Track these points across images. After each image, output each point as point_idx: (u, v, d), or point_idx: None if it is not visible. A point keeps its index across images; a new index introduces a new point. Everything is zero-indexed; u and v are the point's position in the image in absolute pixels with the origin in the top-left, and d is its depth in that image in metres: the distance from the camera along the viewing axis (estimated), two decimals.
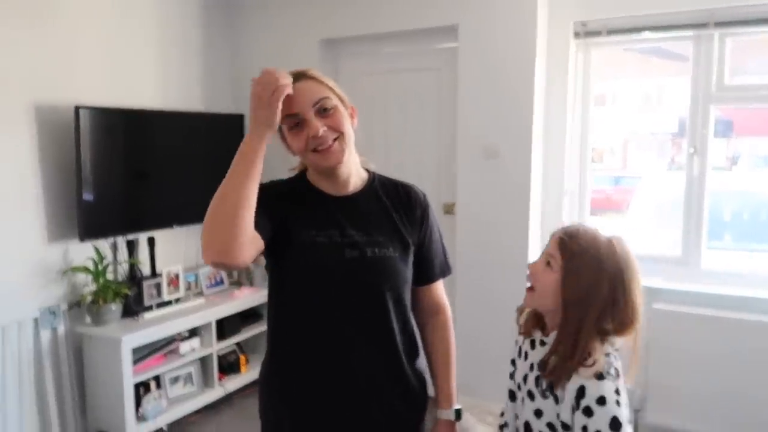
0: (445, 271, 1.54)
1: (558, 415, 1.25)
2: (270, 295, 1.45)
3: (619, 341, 1.28)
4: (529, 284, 1.34)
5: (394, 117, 3.57)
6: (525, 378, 1.36)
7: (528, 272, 1.34)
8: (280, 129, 1.36)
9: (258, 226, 1.27)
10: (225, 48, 3.94)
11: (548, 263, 1.30)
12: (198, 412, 3.36)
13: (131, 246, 3.25)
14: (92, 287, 3.03)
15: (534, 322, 1.39)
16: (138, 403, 3.01)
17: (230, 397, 3.53)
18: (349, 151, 1.37)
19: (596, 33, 3.18)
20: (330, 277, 1.36)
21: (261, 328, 3.68)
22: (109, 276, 3.12)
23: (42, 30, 2.88)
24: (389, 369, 1.42)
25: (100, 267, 2.99)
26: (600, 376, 1.20)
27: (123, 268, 3.24)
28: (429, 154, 3.51)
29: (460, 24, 3.23)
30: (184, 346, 3.23)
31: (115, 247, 3.21)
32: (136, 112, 3.23)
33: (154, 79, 3.48)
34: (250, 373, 3.60)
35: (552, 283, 1.28)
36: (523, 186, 3.15)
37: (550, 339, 1.30)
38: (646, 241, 3.41)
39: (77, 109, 2.86)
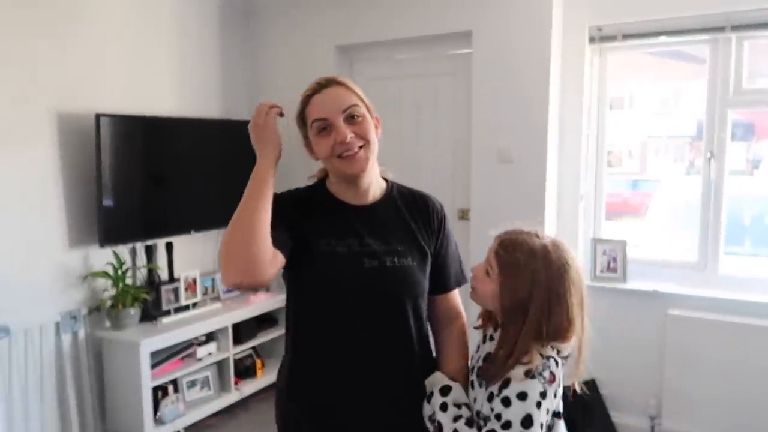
0: (461, 280, 1.55)
1: (482, 405, 1.30)
2: (288, 304, 1.46)
3: (567, 348, 1.32)
4: (471, 285, 1.39)
5: (409, 122, 3.58)
6: (472, 369, 1.41)
7: (471, 273, 1.39)
8: (305, 134, 1.39)
9: (277, 242, 1.29)
10: (242, 56, 3.99)
11: (487, 272, 1.34)
12: (214, 415, 3.39)
13: (150, 251, 3.30)
14: (112, 292, 3.08)
15: (487, 318, 1.44)
16: (156, 406, 3.05)
17: (246, 401, 3.56)
18: (372, 160, 1.39)
19: (611, 38, 3.17)
20: (349, 287, 1.37)
21: (277, 332, 3.71)
22: (128, 281, 3.17)
23: (63, 39, 2.95)
24: (407, 377, 1.42)
25: (119, 272, 3.04)
26: (530, 374, 1.24)
27: (142, 273, 3.29)
28: (443, 159, 3.52)
29: (474, 30, 3.24)
30: (201, 351, 3.27)
31: (134, 253, 3.26)
32: (155, 119, 3.29)
33: (173, 87, 3.54)
34: (266, 377, 3.63)
35: (490, 291, 1.33)
36: (538, 191, 3.15)
37: (498, 336, 1.35)
38: (664, 246, 3.39)
39: (98, 116, 2.92)
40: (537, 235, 1.36)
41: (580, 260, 3.31)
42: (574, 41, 3.22)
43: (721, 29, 2.93)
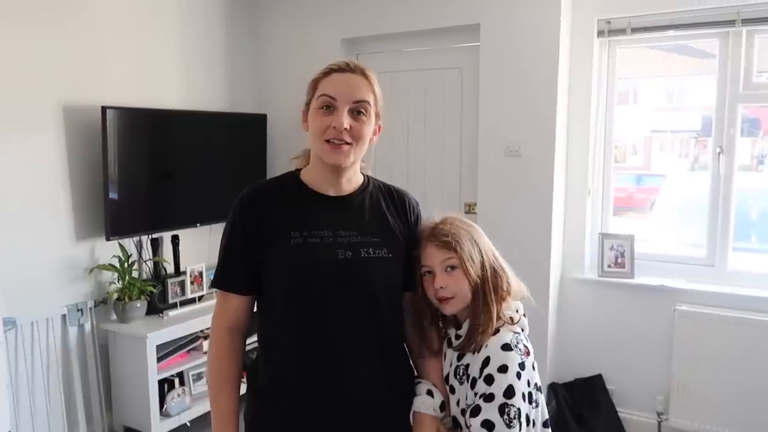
0: None
1: (467, 397, 1.34)
2: (259, 300, 1.42)
3: (526, 323, 1.42)
4: (439, 299, 1.40)
5: (416, 116, 3.56)
6: (447, 377, 1.43)
7: (435, 294, 1.39)
8: (308, 101, 1.37)
9: (243, 286, 1.39)
10: (248, 48, 3.97)
11: (449, 268, 1.38)
12: None
13: (156, 244, 3.30)
14: (118, 285, 3.08)
15: (446, 322, 1.48)
16: (162, 399, 3.05)
17: None
18: (354, 159, 1.37)
19: (621, 31, 3.14)
20: (322, 279, 1.33)
21: None
22: (135, 274, 3.16)
23: (70, 32, 2.94)
24: (384, 372, 1.39)
25: (125, 265, 3.04)
26: (506, 347, 1.31)
27: (148, 266, 3.29)
28: (450, 153, 3.50)
29: (482, 23, 3.22)
30: (208, 344, 3.26)
31: (140, 246, 3.26)
32: (161, 112, 3.28)
33: (179, 80, 3.53)
34: None
35: (463, 279, 1.37)
36: (546, 185, 3.13)
37: (464, 329, 1.40)
38: (670, 242, 3.37)
39: (104, 109, 2.91)
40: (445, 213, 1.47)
41: (587, 255, 3.32)
42: (583, 35, 3.20)
43: (731, 23, 2.90)
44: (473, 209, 3.39)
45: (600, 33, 3.19)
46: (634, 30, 3.11)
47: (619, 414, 3.17)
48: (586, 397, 3.22)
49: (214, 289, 1.46)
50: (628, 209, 3.66)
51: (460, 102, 3.45)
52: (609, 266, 3.22)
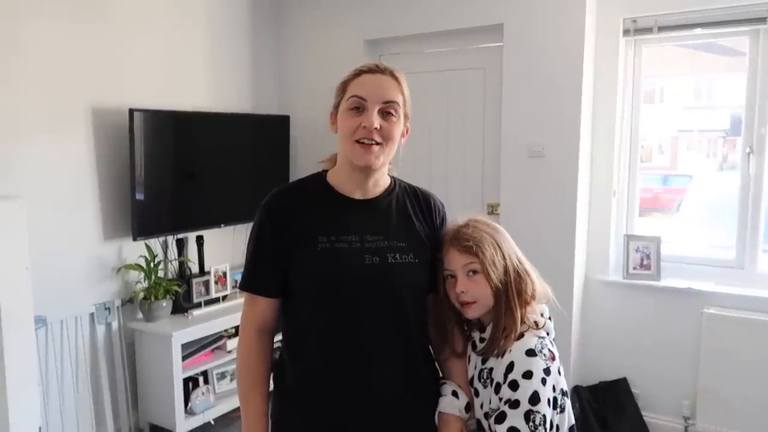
0: None
1: (490, 401, 1.34)
2: (284, 302, 1.42)
3: (552, 327, 1.40)
4: (461, 303, 1.39)
5: (438, 117, 3.56)
6: (472, 380, 1.43)
7: (457, 298, 1.39)
8: (337, 103, 1.38)
9: (271, 288, 1.39)
10: (271, 50, 4.00)
11: (471, 273, 1.37)
12: None
13: (181, 244, 3.34)
14: (144, 284, 3.13)
15: (470, 325, 1.46)
16: (187, 397, 3.09)
17: None
18: (384, 161, 1.37)
19: (647, 30, 3.10)
20: (350, 284, 1.33)
21: None
22: (160, 273, 3.21)
23: (98, 35, 2.99)
24: (409, 377, 1.39)
25: (151, 265, 3.08)
26: (531, 353, 1.29)
27: (173, 266, 3.34)
28: (473, 153, 3.48)
29: (506, 23, 3.20)
30: (231, 343, 3.30)
31: (165, 246, 3.31)
32: (187, 114, 3.32)
33: (204, 82, 3.57)
34: None
35: (485, 284, 1.36)
36: (570, 186, 3.10)
37: (488, 333, 1.38)
38: (697, 243, 3.31)
39: (131, 111, 2.96)
40: (468, 215, 1.45)
41: (612, 257, 3.28)
42: (608, 34, 3.16)
43: (762, 20, 2.84)
44: (496, 210, 3.37)
45: (626, 32, 3.15)
46: (661, 29, 3.07)
47: (645, 418, 3.13)
48: (610, 400, 3.18)
49: (239, 290, 1.47)
50: (654, 210, 3.60)
51: (483, 102, 3.43)
52: (634, 268, 3.18)
